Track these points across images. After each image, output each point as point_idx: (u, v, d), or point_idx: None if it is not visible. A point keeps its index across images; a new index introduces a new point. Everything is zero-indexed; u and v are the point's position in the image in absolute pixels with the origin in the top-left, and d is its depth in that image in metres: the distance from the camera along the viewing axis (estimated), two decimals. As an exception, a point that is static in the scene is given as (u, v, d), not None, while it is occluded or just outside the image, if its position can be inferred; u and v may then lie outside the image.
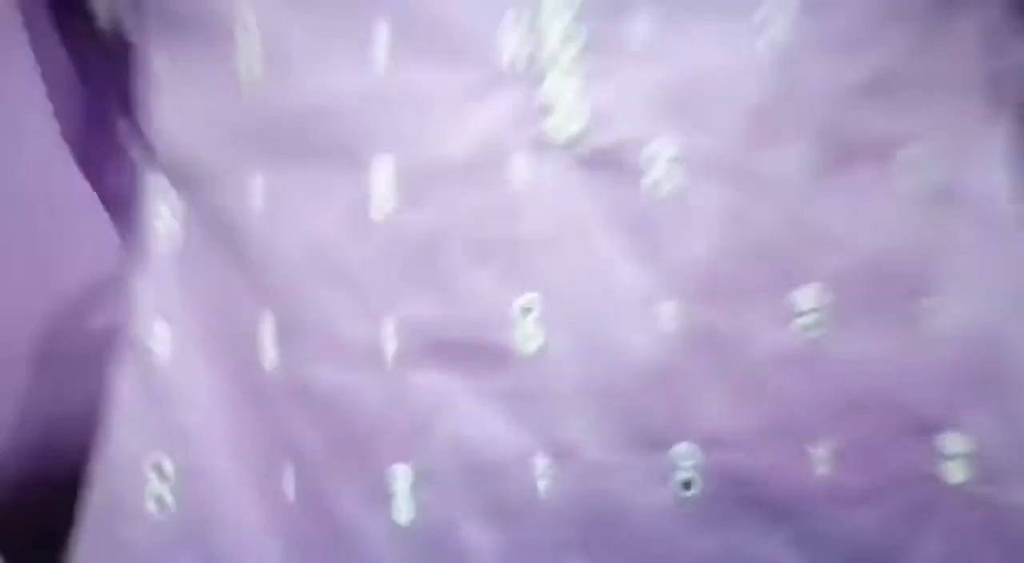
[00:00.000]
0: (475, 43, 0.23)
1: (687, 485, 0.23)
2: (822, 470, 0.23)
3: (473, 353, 0.23)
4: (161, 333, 0.26)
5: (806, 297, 0.23)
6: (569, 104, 0.23)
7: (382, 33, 0.23)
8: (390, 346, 0.23)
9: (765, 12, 0.23)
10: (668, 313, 0.22)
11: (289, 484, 0.25)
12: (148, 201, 0.27)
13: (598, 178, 0.23)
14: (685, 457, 0.23)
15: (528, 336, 0.23)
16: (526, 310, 0.23)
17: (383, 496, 0.23)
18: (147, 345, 0.26)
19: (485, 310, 0.23)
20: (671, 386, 0.23)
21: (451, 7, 0.23)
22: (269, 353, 0.24)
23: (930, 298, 0.24)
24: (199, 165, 0.25)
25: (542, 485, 0.23)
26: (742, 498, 0.23)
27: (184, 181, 0.26)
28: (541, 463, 0.23)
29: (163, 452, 0.26)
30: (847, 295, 0.23)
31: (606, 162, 0.23)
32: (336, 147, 0.23)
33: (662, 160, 0.23)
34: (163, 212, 0.27)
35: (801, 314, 0.23)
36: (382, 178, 0.23)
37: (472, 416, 0.23)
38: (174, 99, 0.26)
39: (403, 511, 0.23)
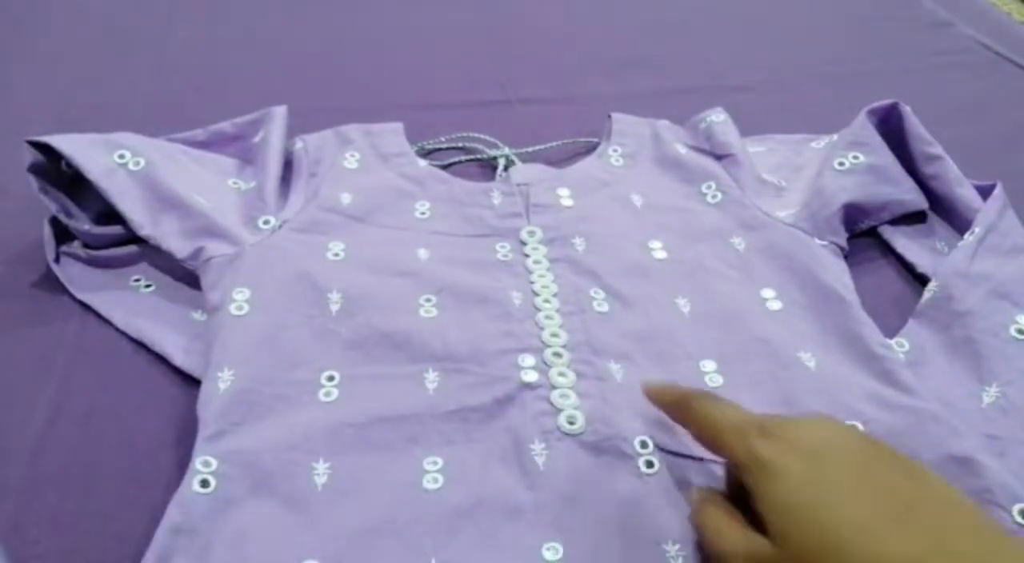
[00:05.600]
0: (503, 370, 0.37)
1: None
2: None
3: None
4: None
5: None
6: (572, 405, 0.35)
7: (431, 373, 0.36)
8: None
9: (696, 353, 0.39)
10: (672, 551, 0.31)
11: None
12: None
13: (601, 459, 0.34)
14: None
15: None
16: (552, 550, 0.31)
17: None
18: None
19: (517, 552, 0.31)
20: None
21: (483, 351, 0.37)
22: None
23: None
24: None
25: None
26: None
27: None
28: None
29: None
30: None
31: (605, 448, 0.34)
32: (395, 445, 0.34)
33: (648, 448, 0.34)
34: None
35: None
36: (434, 467, 0.33)
37: None
38: None
39: None
